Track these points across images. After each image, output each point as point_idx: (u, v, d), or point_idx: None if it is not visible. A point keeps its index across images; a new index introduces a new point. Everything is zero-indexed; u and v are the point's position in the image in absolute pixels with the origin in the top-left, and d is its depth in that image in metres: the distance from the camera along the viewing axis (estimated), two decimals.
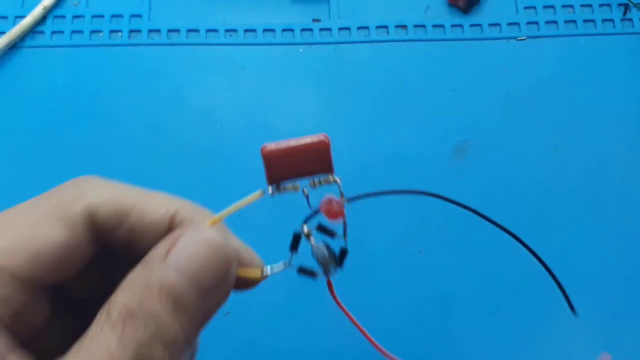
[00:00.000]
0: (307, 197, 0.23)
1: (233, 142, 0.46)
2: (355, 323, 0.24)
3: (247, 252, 0.24)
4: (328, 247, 0.23)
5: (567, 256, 0.44)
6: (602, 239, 0.44)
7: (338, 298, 0.23)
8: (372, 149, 0.46)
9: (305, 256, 0.23)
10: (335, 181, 0.23)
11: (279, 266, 0.23)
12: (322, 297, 0.24)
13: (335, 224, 0.23)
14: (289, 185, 0.23)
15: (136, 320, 0.19)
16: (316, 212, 0.23)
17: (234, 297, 0.23)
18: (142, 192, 0.24)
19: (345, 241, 0.23)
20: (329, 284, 0.24)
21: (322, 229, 0.23)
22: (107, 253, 0.24)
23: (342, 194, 0.23)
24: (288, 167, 0.22)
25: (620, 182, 0.46)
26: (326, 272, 0.23)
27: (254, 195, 0.23)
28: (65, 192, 0.23)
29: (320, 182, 0.23)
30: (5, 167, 0.45)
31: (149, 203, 0.23)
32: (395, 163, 0.46)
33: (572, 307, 0.26)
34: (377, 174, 0.45)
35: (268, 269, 0.23)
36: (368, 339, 0.24)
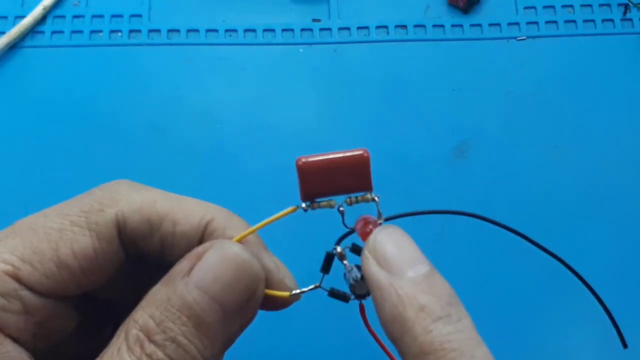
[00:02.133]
0: (342, 215, 0.21)
1: (233, 142, 0.46)
2: (385, 350, 0.22)
3: (279, 270, 0.23)
4: (361, 270, 0.21)
5: (567, 256, 0.44)
6: (603, 238, 0.44)
7: (370, 323, 0.22)
8: (371, 149, 0.46)
9: (337, 277, 0.22)
10: (374, 199, 0.22)
11: (308, 288, 0.22)
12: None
13: None
14: (323, 201, 0.21)
15: (154, 343, 0.19)
16: (351, 232, 0.22)
17: None
18: (176, 199, 0.23)
19: None
20: (361, 309, 0.22)
21: (356, 249, 0.22)
22: (139, 261, 0.23)
23: (380, 214, 0.21)
24: (324, 182, 0.21)
25: (620, 181, 0.46)
26: (358, 297, 0.22)
27: (287, 211, 0.21)
28: (95, 197, 0.22)
29: (357, 200, 0.22)
30: (5, 167, 0.45)
31: (182, 211, 0.22)
32: (395, 163, 0.46)
33: (623, 341, 0.25)
34: (377, 174, 0.45)
35: (297, 290, 0.22)
36: None
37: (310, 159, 0.20)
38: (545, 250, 0.25)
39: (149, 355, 0.18)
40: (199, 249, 0.20)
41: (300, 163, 0.20)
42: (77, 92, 0.47)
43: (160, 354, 0.18)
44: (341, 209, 0.21)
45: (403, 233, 0.21)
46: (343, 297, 0.22)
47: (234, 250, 0.20)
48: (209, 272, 0.20)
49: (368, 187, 0.21)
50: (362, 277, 0.21)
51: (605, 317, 0.27)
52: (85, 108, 0.47)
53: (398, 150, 0.46)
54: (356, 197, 0.22)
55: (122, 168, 0.45)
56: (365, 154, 0.21)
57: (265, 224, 0.21)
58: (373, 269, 0.20)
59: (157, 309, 0.19)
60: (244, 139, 0.46)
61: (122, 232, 0.22)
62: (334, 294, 0.22)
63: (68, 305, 0.22)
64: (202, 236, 0.22)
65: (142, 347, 0.18)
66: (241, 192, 0.44)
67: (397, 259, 0.20)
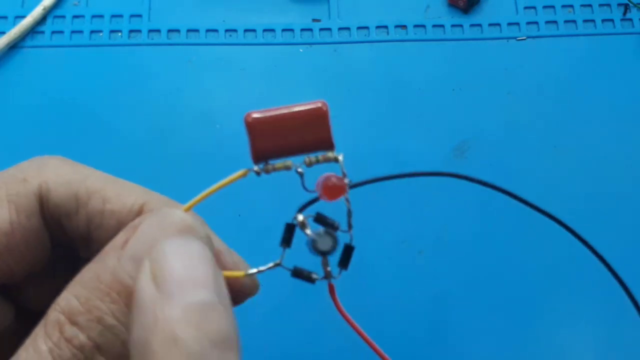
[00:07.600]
0: (301, 176, 0.19)
1: (233, 143, 0.46)
2: (358, 331, 0.20)
3: (231, 255, 0.20)
4: (329, 232, 0.19)
5: (566, 256, 0.44)
6: (603, 238, 0.44)
7: (341, 304, 0.19)
8: (371, 149, 0.46)
9: (302, 256, 0.19)
10: (336, 159, 0.19)
11: (267, 266, 0.19)
12: (318, 295, 0.20)
13: (337, 215, 0.19)
14: (278, 163, 0.19)
15: (76, 325, 0.15)
16: (315, 199, 0.19)
17: None
18: (112, 179, 0.20)
19: (351, 235, 0.19)
20: (331, 289, 0.19)
21: (320, 219, 0.19)
22: (66, 248, 0.20)
23: (344, 174, 0.19)
24: (278, 140, 0.19)
25: (620, 182, 0.46)
26: (321, 254, 0.18)
27: (237, 174, 0.19)
28: (20, 168, 0.20)
29: (317, 160, 0.19)
30: (5, 167, 0.45)
31: (114, 190, 0.20)
32: (395, 163, 0.46)
33: None
34: (377, 174, 0.45)
35: (253, 270, 0.19)
36: (372, 347, 0.20)
37: (261, 115, 0.18)
38: (574, 232, 0.23)
39: (68, 340, 0.15)
40: (136, 220, 0.17)
41: (249, 119, 0.18)
42: (77, 92, 0.47)
43: (82, 337, 0.15)
44: (299, 170, 0.19)
45: (202, 249, 0.16)
46: (308, 277, 0.19)
47: (177, 214, 0.17)
48: (147, 240, 0.16)
49: (328, 145, 0.19)
50: (325, 231, 0.18)
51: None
52: (85, 108, 0.47)
53: (398, 150, 0.46)
54: (316, 156, 0.19)
55: (121, 168, 0.44)
56: (324, 107, 0.19)
57: (211, 193, 0.19)
58: (142, 283, 0.15)
59: (85, 287, 0.15)
60: (244, 139, 0.46)
61: (45, 206, 0.19)
62: (297, 273, 0.19)
63: None
64: (135, 218, 0.19)
65: (61, 330, 0.15)
66: (241, 193, 0.44)
67: (176, 277, 0.15)
